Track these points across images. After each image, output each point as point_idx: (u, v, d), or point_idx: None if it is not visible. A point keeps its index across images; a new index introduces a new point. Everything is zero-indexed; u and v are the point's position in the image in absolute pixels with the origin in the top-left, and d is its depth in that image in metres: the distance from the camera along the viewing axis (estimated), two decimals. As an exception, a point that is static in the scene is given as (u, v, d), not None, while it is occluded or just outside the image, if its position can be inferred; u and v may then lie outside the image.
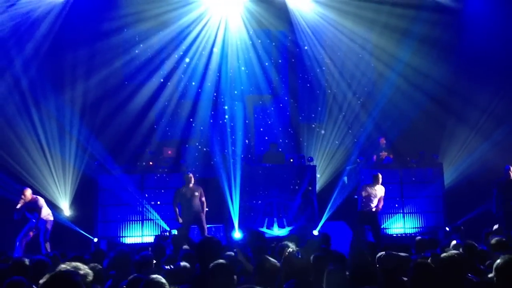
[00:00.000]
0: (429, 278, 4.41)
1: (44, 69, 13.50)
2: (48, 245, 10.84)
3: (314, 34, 15.34)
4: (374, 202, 11.69)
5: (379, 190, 11.69)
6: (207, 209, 11.66)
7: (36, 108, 13.27)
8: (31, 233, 10.95)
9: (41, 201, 11.11)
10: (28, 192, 10.97)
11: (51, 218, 11.16)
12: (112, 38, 14.11)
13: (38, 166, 13.01)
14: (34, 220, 10.92)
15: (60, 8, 13.67)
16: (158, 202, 12.98)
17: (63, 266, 3.90)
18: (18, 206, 10.76)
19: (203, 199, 11.53)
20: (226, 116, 14.94)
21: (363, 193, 11.64)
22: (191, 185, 11.48)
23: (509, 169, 11.83)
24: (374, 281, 4.64)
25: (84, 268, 4.07)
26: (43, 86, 13.40)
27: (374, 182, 11.67)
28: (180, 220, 11.46)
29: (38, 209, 10.94)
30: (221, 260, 4.47)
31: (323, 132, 15.22)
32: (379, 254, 5.43)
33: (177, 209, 11.51)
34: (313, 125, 15.34)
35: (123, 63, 14.61)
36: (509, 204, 11.68)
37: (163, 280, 3.96)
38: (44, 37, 13.49)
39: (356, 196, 12.06)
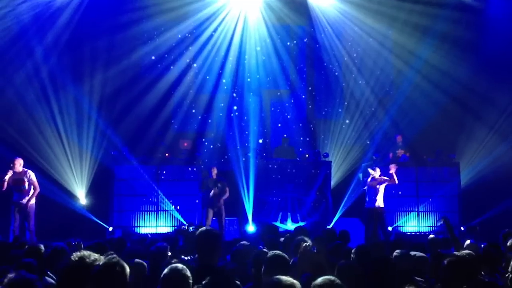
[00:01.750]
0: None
1: (64, 59, 13.62)
2: (32, 235, 10.29)
3: (334, 30, 15.28)
4: (378, 197, 11.79)
5: (378, 181, 11.81)
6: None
7: (55, 97, 13.40)
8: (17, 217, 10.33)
9: (32, 176, 10.47)
10: (19, 162, 10.38)
11: (33, 202, 10.45)
12: (131, 30, 14.21)
13: (56, 155, 13.16)
14: (16, 193, 10.34)
15: (80, -2, 13.78)
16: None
17: (76, 254, 3.88)
18: (6, 177, 10.18)
19: (226, 188, 12.20)
20: (235, 108, 15.03)
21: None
22: (214, 177, 12.19)
23: None
24: (388, 278, 4.61)
25: (95, 257, 4.02)
26: (62, 75, 13.53)
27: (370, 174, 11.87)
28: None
29: (26, 182, 10.33)
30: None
31: (347, 121, 15.13)
32: (395, 253, 5.41)
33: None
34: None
35: (142, 54, 14.74)
36: None
37: (188, 273, 3.92)
38: (64, 27, 13.61)
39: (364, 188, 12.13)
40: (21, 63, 13.27)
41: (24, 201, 10.38)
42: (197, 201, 12.80)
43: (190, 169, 13.32)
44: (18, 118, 13.05)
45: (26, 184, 10.43)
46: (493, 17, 14.64)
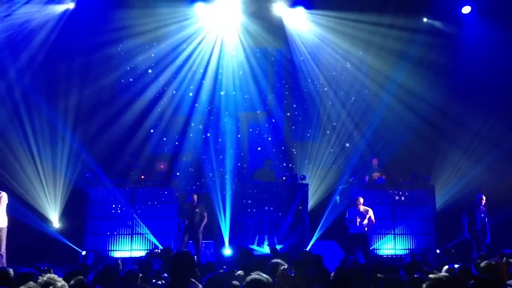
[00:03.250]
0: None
1: (38, 80, 13.45)
2: (3, 259, 10.05)
3: (311, 54, 15.43)
4: (364, 223, 11.96)
5: (364, 211, 12.07)
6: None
7: (28, 118, 13.18)
8: None
9: (3, 198, 10.32)
10: None
11: (5, 225, 10.28)
12: (107, 51, 14.14)
13: (28, 177, 12.87)
14: None
15: (56, 20, 13.65)
16: None
17: (40, 278, 3.93)
18: None
19: (205, 214, 12.29)
20: (203, 128, 14.99)
21: (350, 217, 12.08)
22: (194, 202, 12.25)
23: (481, 197, 12.43)
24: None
25: (60, 280, 4.04)
26: (36, 96, 13.33)
27: (356, 204, 12.13)
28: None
29: None
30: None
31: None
32: (380, 276, 5.40)
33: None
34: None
35: (118, 75, 14.64)
36: (473, 230, 12.37)
37: None
38: (39, 48, 13.47)
39: (347, 224, 12.19)
40: (-7, 83, 13.06)
41: None
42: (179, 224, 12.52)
43: (166, 191, 13.16)
44: (-10, 139, 12.78)
45: None
46: (466, 42, 14.97)
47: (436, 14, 15.09)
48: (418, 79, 15.04)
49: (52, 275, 4.10)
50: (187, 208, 12.22)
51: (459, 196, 13.98)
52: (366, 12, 14.13)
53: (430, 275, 5.29)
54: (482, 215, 12.40)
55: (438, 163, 14.78)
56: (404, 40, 14.75)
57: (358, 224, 12.01)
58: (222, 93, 15.14)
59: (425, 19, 15.27)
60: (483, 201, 12.42)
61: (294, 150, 15.51)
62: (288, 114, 15.83)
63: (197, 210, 12.19)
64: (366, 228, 12.06)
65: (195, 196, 12.38)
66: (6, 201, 10.41)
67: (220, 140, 14.96)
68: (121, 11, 13.90)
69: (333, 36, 15.10)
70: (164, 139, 14.82)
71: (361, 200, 12.21)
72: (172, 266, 4.51)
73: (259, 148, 15.35)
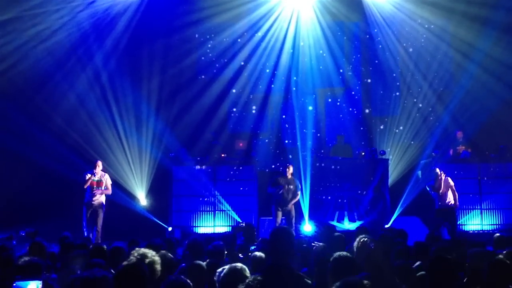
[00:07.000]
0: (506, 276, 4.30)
1: (122, 64, 14.06)
2: (99, 235, 10.83)
3: (389, 25, 14.97)
4: (449, 197, 11.58)
5: (446, 183, 11.57)
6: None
7: (115, 101, 13.83)
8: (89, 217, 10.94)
9: (108, 179, 11.22)
10: (100, 165, 11.24)
11: (103, 200, 11.15)
12: (186, 32, 14.49)
13: (116, 157, 13.58)
14: (91, 194, 10.98)
15: (137, 4, 14.15)
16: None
17: (133, 253, 4.13)
18: (93, 177, 10.98)
19: (298, 192, 12.03)
20: (283, 107, 15.09)
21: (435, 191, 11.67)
22: (289, 176, 11.92)
23: None
24: (452, 277, 4.50)
25: (151, 256, 4.22)
26: (121, 80, 13.96)
27: (436, 179, 11.62)
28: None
29: (103, 184, 11.06)
30: None
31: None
32: (470, 251, 5.32)
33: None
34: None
35: (197, 56, 14.98)
36: None
37: (247, 273, 4.00)
38: (122, 33, 14.04)
39: (431, 192, 11.86)
40: (82, 68, 13.77)
41: (96, 201, 10.85)
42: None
43: (245, 169, 13.38)
44: (80, 122, 13.55)
45: (103, 186, 10.98)
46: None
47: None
48: (505, 46, 14.20)
49: (144, 249, 4.31)
50: (282, 183, 11.91)
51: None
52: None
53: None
54: None
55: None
56: (489, 6, 13.98)
57: (442, 198, 11.65)
58: (302, 78, 15.05)
59: (511, -18, 14.37)
60: None
61: (370, 124, 15.22)
62: (366, 88, 15.52)
63: (291, 186, 11.88)
64: (453, 201, 11.66)
65: (291, 168, 12.04)
66: (109, 182, 11.19)
67: (297, 117, 14.94)
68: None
69: (412, 5, 14.62)
70: (253, 115, 14.98)
71: (438, 170, 11.72)
72: (271, 243, 4.23)
73: (332, 122, 15.20)
